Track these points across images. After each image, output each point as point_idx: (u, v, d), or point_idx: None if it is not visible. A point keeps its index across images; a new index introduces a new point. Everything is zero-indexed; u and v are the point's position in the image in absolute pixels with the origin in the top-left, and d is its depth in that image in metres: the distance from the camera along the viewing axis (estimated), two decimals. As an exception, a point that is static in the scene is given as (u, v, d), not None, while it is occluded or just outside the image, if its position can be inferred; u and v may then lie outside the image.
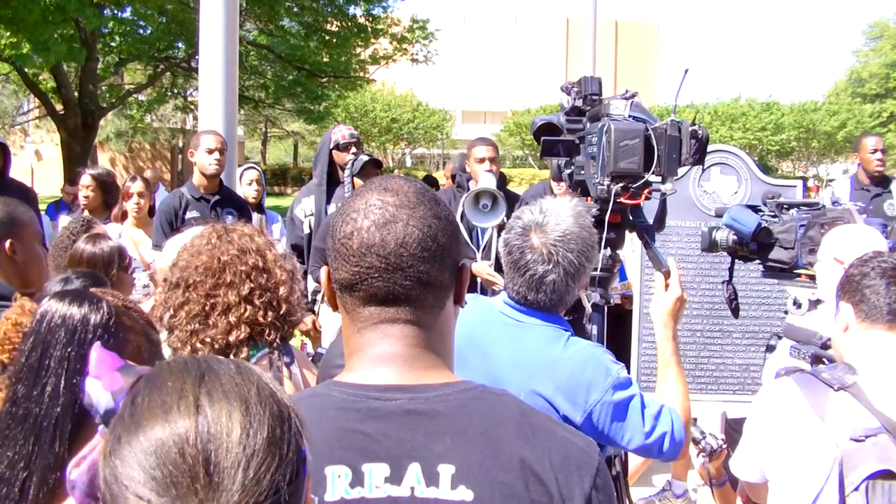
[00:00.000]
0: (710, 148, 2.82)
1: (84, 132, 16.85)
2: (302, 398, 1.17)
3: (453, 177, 5.39)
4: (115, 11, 15.71)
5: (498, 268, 4.22)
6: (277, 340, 1.91)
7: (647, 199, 2.37)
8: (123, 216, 4.83)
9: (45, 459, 1.31)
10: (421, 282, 1.12)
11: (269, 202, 6.57)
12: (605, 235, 2.28)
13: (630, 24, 55.61)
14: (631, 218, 2.45)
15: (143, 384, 0.80)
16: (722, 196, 4.64)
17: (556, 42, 52.46)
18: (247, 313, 1.86)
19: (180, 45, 18.30)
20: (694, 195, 4.66)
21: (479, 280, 4.39)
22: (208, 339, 1.83)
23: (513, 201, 4.35)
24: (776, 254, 2.76)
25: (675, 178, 2.41)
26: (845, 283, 1.96)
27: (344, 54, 19.47)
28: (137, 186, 4.77)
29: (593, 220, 2.24)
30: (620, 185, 2.30)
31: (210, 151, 4.37)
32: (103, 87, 18.94)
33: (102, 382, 0.94)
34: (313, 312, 4.38)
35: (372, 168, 4.46)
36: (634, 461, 2.54)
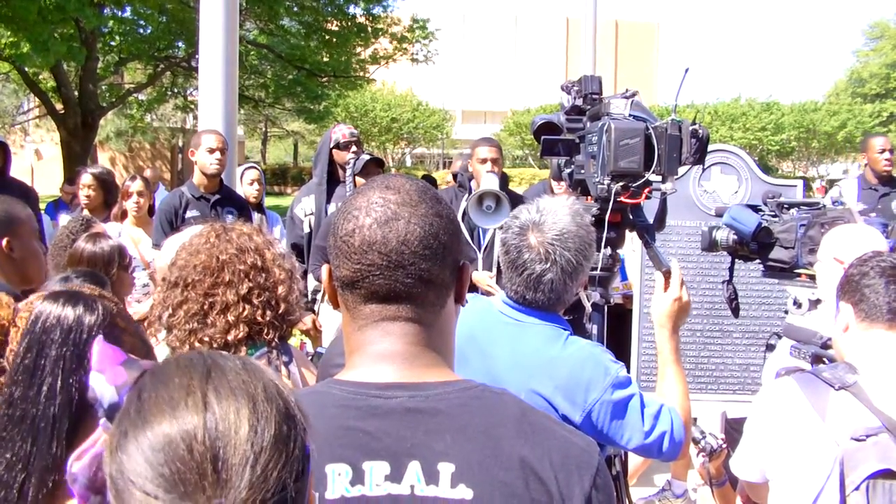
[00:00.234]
0: (710, 147, 2.82)
1: (84, 131, 16.85)
2: (302, 396, 1.16)
3: (455, 176, 5.39)
4: (115, 11, 15.71)
5: (498, 268, 4.22)
6: (276, 340, 1.91)
7: (648, 198, 2.36)
8: (123, 215, 4.82)
9: (43, 460, 1.30)
10: (422, 280, 1.12)
11: (268, 202, 6.58)
12: (605, 235, 2.28)
13: (630, 24, 55.61)
14: (631, 217, 2.45)
15: (148, 379, 0.80)
16: (722, 196, 4.64)
17: (556, 42, 52.45)
18: (245, 312, 1.86)
19: (180, 44, 18.30)
20: (694, 195, 4.66)
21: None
22: (207, 338, 1.83)
23: (516, 202, 4.35)
24: (776, 253, 2.76)
25: (676, 177, 2.40)
26: (845, 284, 1.96)
27: (344, 54, 19.46)
28: (137, 185, 4.77)
29: (593, 219, 2.24)
30: (620, 184, 2.30)
31: (211, 151, 4.37)
32: (103, 87, 18.94)
33: (106, 376, 0.94)
34: (313, 311, 4.37)
35: (374, 167, 4.46)
36: (634, 461, 2.53)
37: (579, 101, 2.60)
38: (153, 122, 27.23)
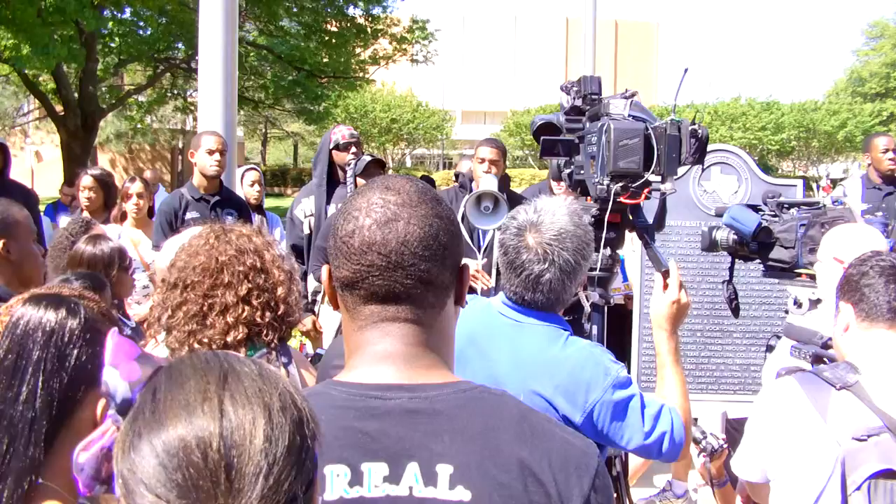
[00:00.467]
0: (710, 147, 2.82)
1: (84, 133, 16.85)
2: (301, 398, 1.16)
3: (457, 176, 5.40)
4: (115, 12, 15.71)
5: (498, 269, 4.21)
6: (275, 341, 1.90)
7: (647, 198, 2.36)
8: (123, 217, 4.82)
9: (19, 462, 1.30)
10: (422, 280, 1.11)
11: (268, 203, 6.58)
12: (604, 235, 2.28)
13: (630, 24, 55.62)
14: (631, 217, 2.45)
15: (163, 379, 0.80)
16: (722, 195, 4.64)
17: (556, 42, 52.46)
18: (244, 314, 1.85)
19: (180, 45, 18.30)
20: (694, 195, 4.66)
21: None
22: (206, 340, 1.83)
23: (516, 202, 4.34)
24: (776, 253, 2.75)
25: (675, 177, 2.40)
26: (844, 284, 1.95)
27: (344, 55, 19.46)
28: (136, 187, 4.77)
29: (593, 219, 2.24)
30: (620, 184, 2.29)
31: (210, 152, 4.37)
32: (103, 88, 18.94)
33: (120, 372, 0.94)
34: (313, 313, 4.37)
35: (375, 168, 4.45)
36: (635, 461, 2.53)
37: (579, 102, 2.60)
38: (153, 123, 27.23)
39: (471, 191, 4.52)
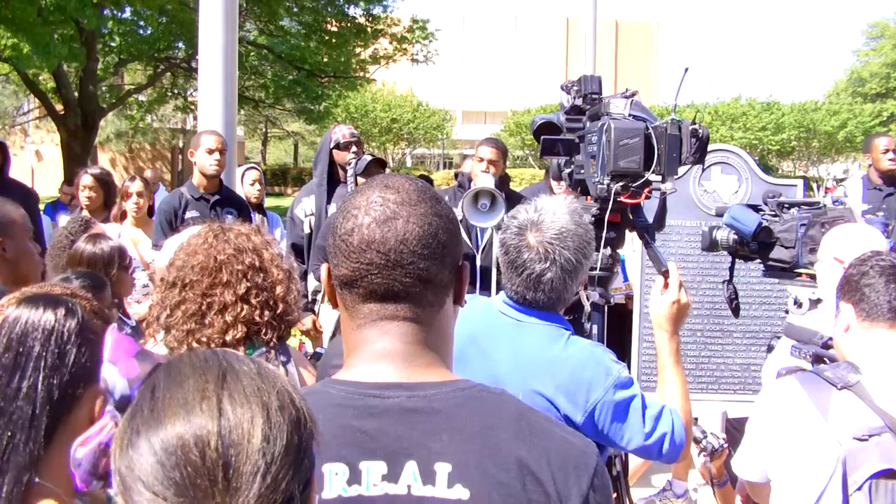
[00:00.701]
0: (710, 147, 2.82)
1: (84, 132, 16.85)
2: (300, 397, 1.16)
3: (456, 175, 5.41)
4: (115, 12, 15.71)
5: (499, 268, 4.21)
6: (274, 340, 1.90)
7: (647, 198, 2.36)
8: (122, 216, 4.82)
9: (19, 457, 1.30)
10: (421, 279, 1.11)
11: (268, 202, 6.58)
12: (604, 235, 2.28)
13: (630, 24, 55.60)
14: (631, 217, 2.44)
15: (162, 377, 0.80)
16: (722, 195, 4.64)
17: (556, 42, 52.45)
18: (243, 313, 1.85)
19: (180, 45, 18.30)
20: (694, 194, 4.65)
21: (477, 279, 4.38)
22: (205, 339, 1.82)
23: (514, 201, 4.34)
24: (777, 253, 2.75)
25: (676, 177, 2.40)
26: (844, 284, 1.95)
27: (344, 54, 19.46)
28: (136, 186, 4.77)
29: (593, 219, 2.23)
30: (620, 184, 2.29)
31: (210, 151, 4.37)
32: (103, 88, 18.94)
33: (119, 368, 0.94)
34: (313, 312, 4.37)
35: (376, 167, 4.45)
36: (635, 461, 2.53)
37: (579, 101, 2.60)
38: (153, 122, 27.23)
39: (469, 189, 4.52)
